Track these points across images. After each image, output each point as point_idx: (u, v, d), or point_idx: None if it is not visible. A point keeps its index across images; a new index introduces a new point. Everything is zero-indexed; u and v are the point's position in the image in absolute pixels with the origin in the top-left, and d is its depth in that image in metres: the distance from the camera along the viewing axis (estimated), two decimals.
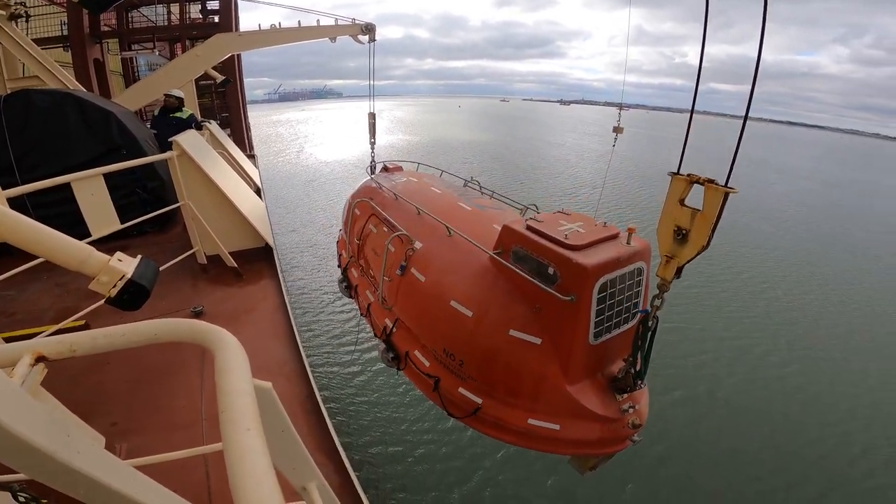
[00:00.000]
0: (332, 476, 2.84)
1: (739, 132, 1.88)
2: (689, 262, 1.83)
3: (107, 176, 3.73)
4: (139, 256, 2.40)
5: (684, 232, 1.78)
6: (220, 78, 13.56)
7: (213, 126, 8.14)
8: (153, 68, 15.63)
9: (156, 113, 8.42)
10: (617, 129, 7.51)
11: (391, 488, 7.26)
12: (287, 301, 4.78)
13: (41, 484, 0.87)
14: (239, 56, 17.19)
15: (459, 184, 4.25)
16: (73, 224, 3.08)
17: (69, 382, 3.49)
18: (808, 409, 9.78)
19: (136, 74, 17.73)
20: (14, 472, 0.93)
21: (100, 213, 3.70)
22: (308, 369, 3.70)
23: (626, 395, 2.31)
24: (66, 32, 14.56)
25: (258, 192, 7.68)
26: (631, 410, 2.29)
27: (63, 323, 3.54)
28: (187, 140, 4.88)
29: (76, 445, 0.87)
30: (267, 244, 5.71)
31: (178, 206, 4.93)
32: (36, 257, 2.12)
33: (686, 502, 7.28)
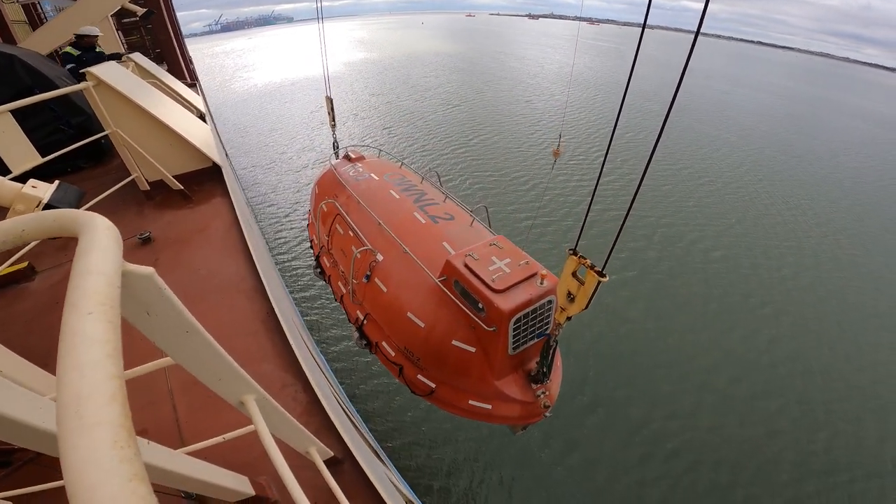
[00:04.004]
0: (300, 395, 2.86)
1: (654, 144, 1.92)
2: (575, 314, 2.44)
3: (25, 117, 3.62)
4: (56, 181, 2.27)
5: (573, 296, 2.32)
6: (140, 11, 12.15)
7: (138, 57, 7.54)
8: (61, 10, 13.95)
9: (64, 51, 7.74)
10: (556, 153, 7.09)
11: (360, 395, 7.86)
12: (240, 218, 4.71)
13: None
14: None
15: (417, 180, 4.46)
16: None
17: (23, 330, 3.41)
18: (727, 296, 10.77)
19: (44, 20, 15.58)
20: None
21: (14, 149, 3.48)
22: (266, 286, 3.68)
23: (539, 385, 3.01)
24: None
25: (202, 117, 7.37)
26: (543, 395, 3.01)
27: (4, 266, 3.38)
28: (103, 70, 4.58)
29: None
30: (215, 163, 5.57)
31: (116, 140, 4.72)
32: None
33: (609, 386, 8.21)
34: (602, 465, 6.94)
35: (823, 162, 21.92)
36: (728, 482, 6.81)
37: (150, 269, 0.86)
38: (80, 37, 7.42)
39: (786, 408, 8.06)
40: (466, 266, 2.88)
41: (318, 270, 4.69)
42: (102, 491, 0.40)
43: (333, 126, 5.48)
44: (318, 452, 1.93)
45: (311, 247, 4.92)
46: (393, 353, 3.39)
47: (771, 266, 12.18)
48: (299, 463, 2.30)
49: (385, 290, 3.37)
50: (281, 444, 1.73)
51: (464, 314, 2.92)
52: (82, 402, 0.48)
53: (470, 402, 3.06)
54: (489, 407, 3.02)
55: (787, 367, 8.89)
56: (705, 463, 7.05)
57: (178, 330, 1.00)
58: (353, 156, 4.89)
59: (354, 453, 2.47)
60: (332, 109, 5.48)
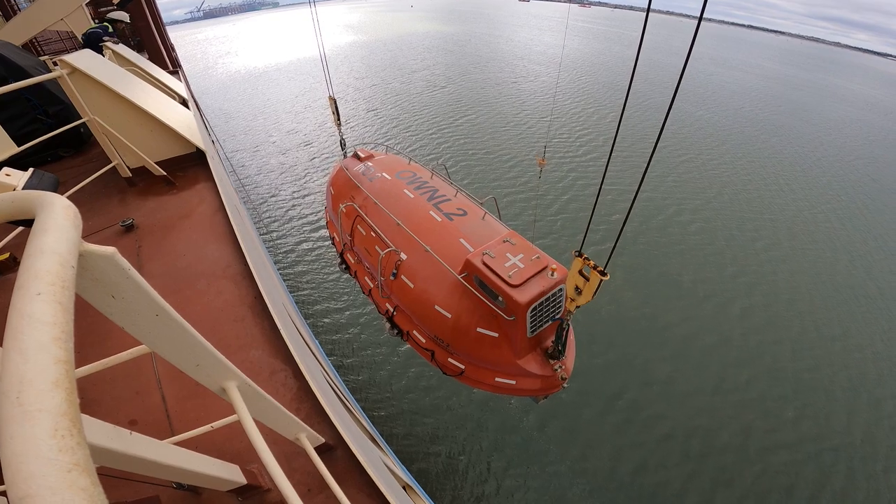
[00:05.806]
0: (290, 381, 2.84)
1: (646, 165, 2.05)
2: (583, 305, 2.76)
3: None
4: (31, 169, 2.23)
5: (580, 289, 2.67)
6: None
7: (117, 46, 7.36)
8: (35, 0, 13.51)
9: (102, 24, 7.77)
10: (541, 162, 7.42)
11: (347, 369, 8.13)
12: (226, 203, 4.65)
13: None
14: None
15: (428, 175, 4.67)
16: None
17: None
18: (703, 268, 11.06)
19: (17, 10, 15.19)
20: None
21: None
22: (253, 270, 3.64)
23: (556, 361, 3.38)
24: None
25: (185, 103, 7.25)
26: (560, 369, 3.37)
27: None
28: (78, 58, 4.52)
29: None
30: (198, 149, 5.52)
31: (94, 128, 4.63)
32: None
33: (587, 354, 8.47)
34: (580, 435, 7.19)
35: (812, 145, 22.12)
36: (700, 452, 6.99)
37: (111, 249, 0.81)
38: (111, 21, 7.81)
39: (756, 378, 8.20)
40: (484, 264, 3.20)
41: (343, 266, 4.99)
42: (40, 482, 0.37)
43: (339, 125, 5.60)
44: (308, 439, 1.91)
45: (333, 244, 5.23)
46: (424, 341, 3.77)
47: (746, 238, 12.46)
48: (292, 450, 2.27)
49: (412, 285, 3.71)
50: (271, 431, 1.71)
51: (485, 304, 3.24)
52: (24, 387, 0.45)
53: (496, 379, 3.44)
54: (514, 382, 3.41)
55: (760, 337, 9.03)
56: (679, 430, 7.25)
57: (148, 314, 0.95)
58: (362, 154, 5.07)
59: (346, 439, 2.45)
60: (337, 109, 5.56)
